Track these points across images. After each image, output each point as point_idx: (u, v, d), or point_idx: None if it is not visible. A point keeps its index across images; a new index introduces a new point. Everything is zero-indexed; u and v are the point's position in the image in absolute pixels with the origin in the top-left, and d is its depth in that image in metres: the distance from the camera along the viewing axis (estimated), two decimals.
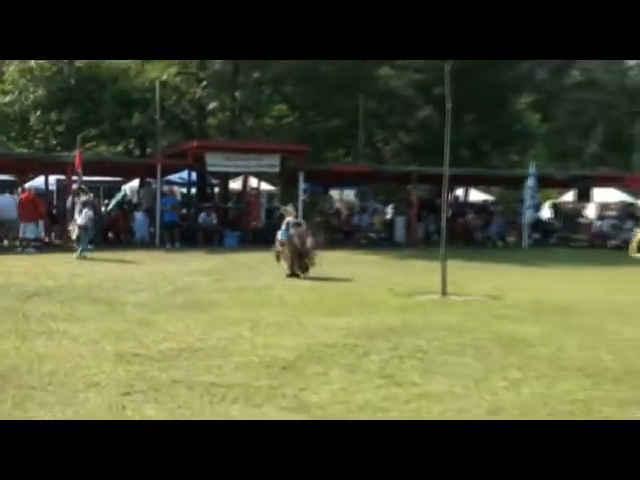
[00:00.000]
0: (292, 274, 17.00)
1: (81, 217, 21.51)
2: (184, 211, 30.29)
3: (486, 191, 46.38)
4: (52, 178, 31.07)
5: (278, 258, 17.61)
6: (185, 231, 27.50)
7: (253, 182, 33.32)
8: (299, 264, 17.08)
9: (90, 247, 21.82)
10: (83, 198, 22.21)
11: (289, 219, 17.98)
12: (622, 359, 8.58)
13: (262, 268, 18.78)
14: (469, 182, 37.66)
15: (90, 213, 21.77)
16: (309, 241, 17.30)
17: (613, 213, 36.93)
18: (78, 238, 21.40)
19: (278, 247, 17.55)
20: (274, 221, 31.83)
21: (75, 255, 20.82)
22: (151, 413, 6.21)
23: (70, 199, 24.92)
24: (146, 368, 7.80)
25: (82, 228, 21.36)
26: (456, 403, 6.67)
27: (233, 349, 8.79)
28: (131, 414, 6.19)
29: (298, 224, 17.85)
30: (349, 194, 40.68)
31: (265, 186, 35.63)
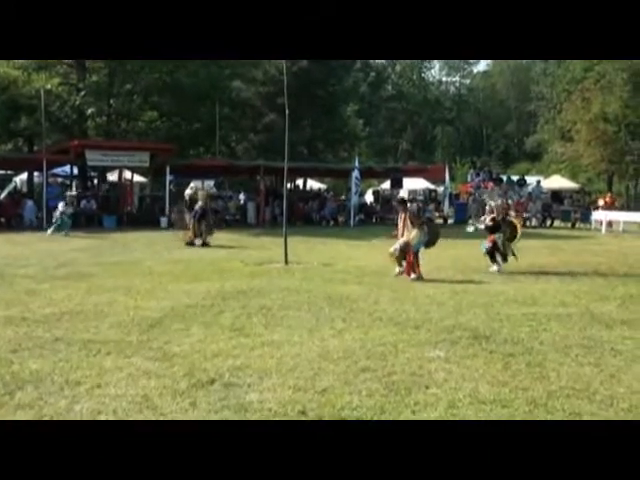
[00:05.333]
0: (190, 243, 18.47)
1: (62, 205, 22.87)
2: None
3: (321, 181, 46.95)
4: None
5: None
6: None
7: (127, 174, 32.47)
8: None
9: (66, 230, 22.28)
10: (69, 193, 24.24)
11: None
12: (422, 311, 8.90)
13: (135, 245, 18.37)
14: (307, 174, 38.11)
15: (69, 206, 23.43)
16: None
17: (420, 197, 38.18)
18: (57, 221, 22.52)
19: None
20: (146, 206, 31.29)
21: (49, 231, 22.05)
22: (35, 366, 5.96)
23: None
24: (32, 329, 7.47)
25: (62, 213, 22.62)
26: (293, 349, 6.73)
27: (108, 311, 8.55)
28: (17, 367, 5.93)
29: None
30: (209, 184, 40.32)
31: (138, 178, 34.77)
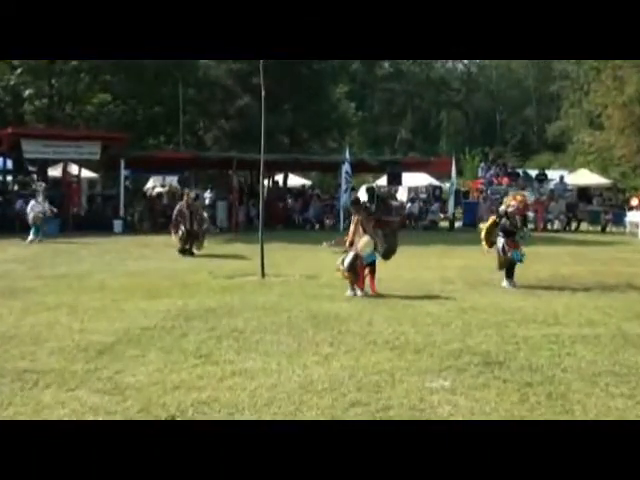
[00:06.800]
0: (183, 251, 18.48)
1: (34, 205, 22.90)
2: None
3: (305, 176, 47.02)
4: None
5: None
6: (1, 218, 26.37)
7: (73, 169, 32.31)
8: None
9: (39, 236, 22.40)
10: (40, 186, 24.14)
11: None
12: (423, 332, 8.91)
13: (82, 254, 18.36)
14: (288, 168, 38.10)
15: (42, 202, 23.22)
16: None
17: (422, 196, 38.30)
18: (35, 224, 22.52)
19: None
20: (96, 207, 31.13)
21: (29, 239, 21.98)
22: None
23: None
24: None
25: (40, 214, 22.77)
26: (269, 379, 6.73)
27: (48, 335, 8.52)
28: None
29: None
30: (172, 180, 40.21)
31: (86, 173, 34.62)
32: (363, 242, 11.88)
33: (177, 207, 19.57)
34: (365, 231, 12.01)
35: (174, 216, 19.26)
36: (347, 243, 12.24)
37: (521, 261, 13.04)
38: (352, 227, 12.29)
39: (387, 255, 12.26)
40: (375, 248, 12.00)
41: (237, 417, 5.63)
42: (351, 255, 11.87)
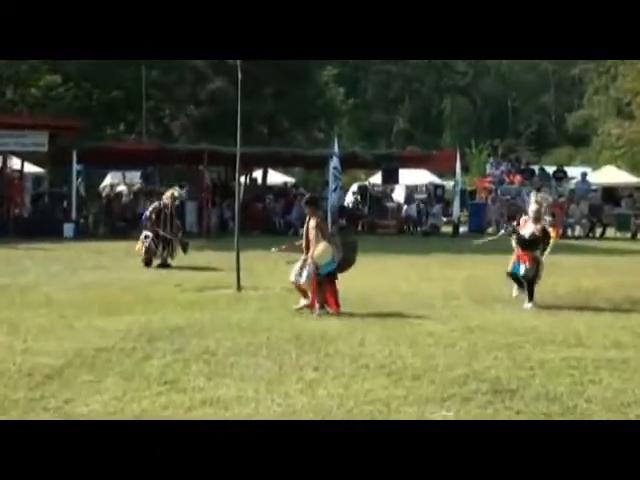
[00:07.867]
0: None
1: None
2: None
3: (287, 173, 46.97)
4: None
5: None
6: None
7: (15, 163, 32.12)
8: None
9: None
10: None
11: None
12: (423, 355, 8.94)
13: (26, 263, 18.26)
14: (267, 162, 38.04)
15: None
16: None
17: (422, 196, 38.26)
18: None
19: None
20: (43, 208, 30.94)
21: None
22: None
23: None
24: None
25: None
26: (245, 409, 6.73)
27: None
28: None
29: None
30: (134, 176, 39.95)
31: (31, 167, 34.45)
32: (320, 249, 11.68)
33: (154, 205, 19.18)
34: (323, 236, 11.86)
35: (148, 215, 18.84)
36: (303, 249, 12.05)
37: (514, 275, 12.78)
38: (306, 230, 12.11)
39: (342, 267, 12.05)
40: (332, 256, 11.79)
41: None
42: (311, 265, 11.75)
